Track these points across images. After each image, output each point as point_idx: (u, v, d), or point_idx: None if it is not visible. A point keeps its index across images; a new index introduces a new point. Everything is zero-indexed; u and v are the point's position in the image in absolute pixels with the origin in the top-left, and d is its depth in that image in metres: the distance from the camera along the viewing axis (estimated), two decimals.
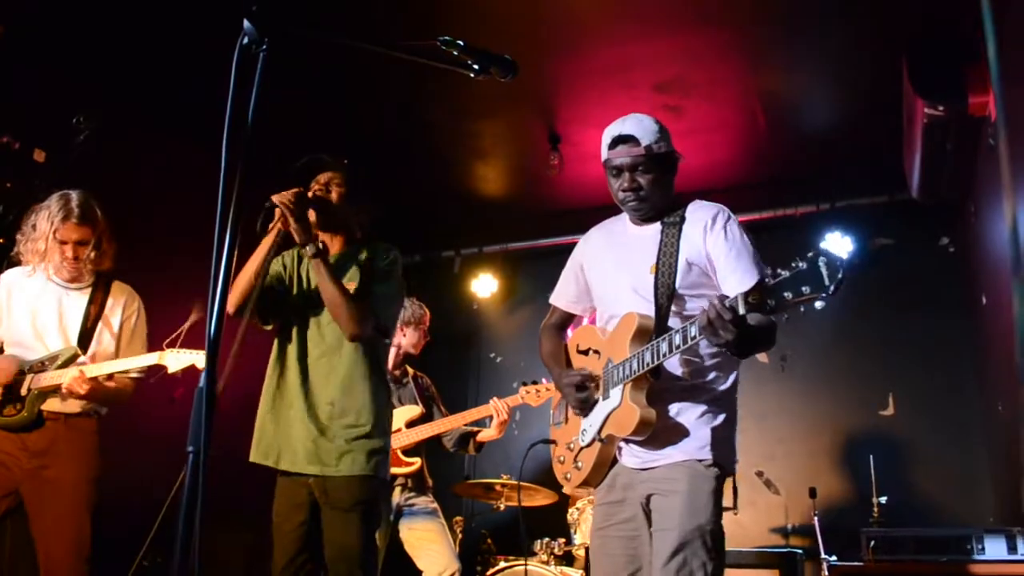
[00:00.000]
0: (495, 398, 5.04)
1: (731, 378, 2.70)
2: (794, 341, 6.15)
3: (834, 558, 4.76)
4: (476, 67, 2.19)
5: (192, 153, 5.03)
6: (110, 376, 3.56)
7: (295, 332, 3.20)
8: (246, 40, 1.75)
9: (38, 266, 3.60)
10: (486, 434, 5.09)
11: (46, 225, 3.55)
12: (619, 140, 2.73)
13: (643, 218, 2.81)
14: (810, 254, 2.16)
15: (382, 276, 3.23)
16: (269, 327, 3.28)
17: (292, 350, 3.18)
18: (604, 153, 2.77)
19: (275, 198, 2.98)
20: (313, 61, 4.90)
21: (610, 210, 2.98)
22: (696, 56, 5.08)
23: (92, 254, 3.60)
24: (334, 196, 3.18)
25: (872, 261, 6.18)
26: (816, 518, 5.07)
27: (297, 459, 3.09)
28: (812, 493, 5.18)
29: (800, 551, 5.15)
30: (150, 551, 3.56)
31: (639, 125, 2.72)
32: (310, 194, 3.13)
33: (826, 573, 4.63)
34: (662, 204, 2.77)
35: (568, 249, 3.11)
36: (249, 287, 3.09)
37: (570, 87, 5.47)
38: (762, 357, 6.17)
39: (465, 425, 5.07)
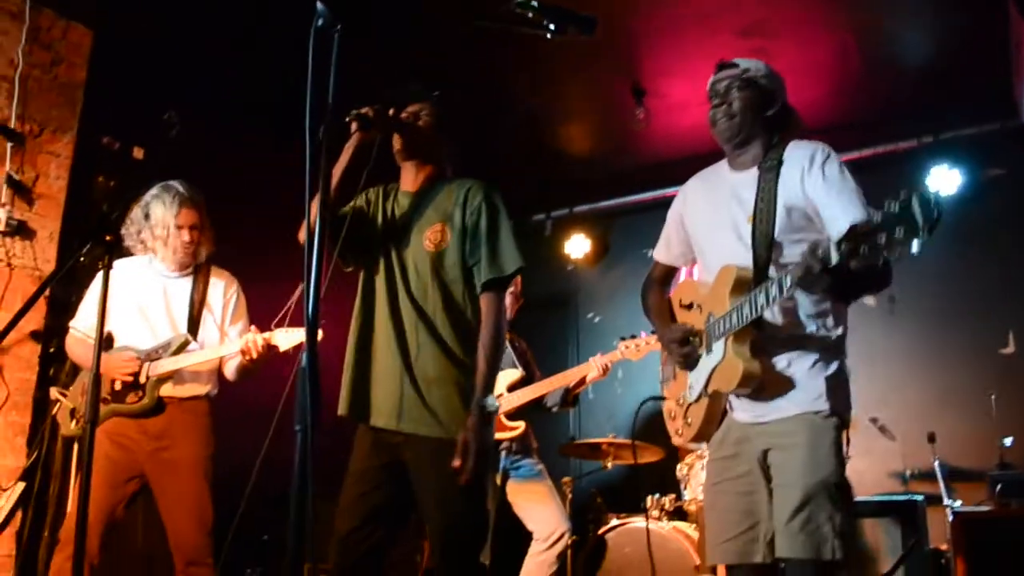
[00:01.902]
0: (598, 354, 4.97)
1: (841, 325, 2.61)
2: (903, 280, 5.88)
3: (959, 503, 4.61)
4: (553, 27, 2.15)
5: (270, 139, 5.11)
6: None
7: (381, 274, 2.86)
8: (320, 22, 1.75)
9: (157, 254, 3.73)
10: (592, 376, 4.95)
11: (165, 213, 3.68)
12: (721, 67, 2.76)
13: (733, 145, 2.73)
14: (902, 194, 2.04)
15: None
16: (349, 269, 2.98)
17: (378, 294, 2.84)
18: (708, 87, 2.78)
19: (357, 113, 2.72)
20: (389, 31, 4.90)
21: (700, 160, 2.91)
22: None
23: (201, 237, 3.76)
24: (422, 124, 2.93)
25: (984, 193, 5.88)
26: (936, 463, 4.91)
27: (387, 416, 2.71)
28: (931, 438, 5.00)
29: (921, 497, 4.99)
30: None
31: (746, 59, 2.75)
32: (394, 114, 2.85)
33: (950, 519, 4.49)
34: (753, 135, 2.70)
35: (661, 203, 3.06)
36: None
37: (651, 39, 5.35)
38: (869, 299, 5.94)
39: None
